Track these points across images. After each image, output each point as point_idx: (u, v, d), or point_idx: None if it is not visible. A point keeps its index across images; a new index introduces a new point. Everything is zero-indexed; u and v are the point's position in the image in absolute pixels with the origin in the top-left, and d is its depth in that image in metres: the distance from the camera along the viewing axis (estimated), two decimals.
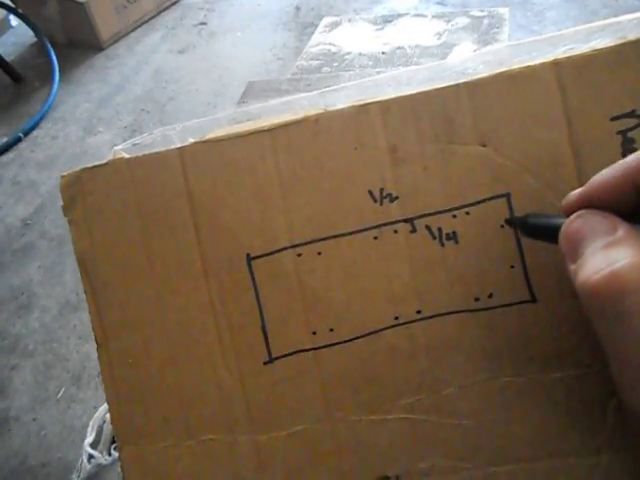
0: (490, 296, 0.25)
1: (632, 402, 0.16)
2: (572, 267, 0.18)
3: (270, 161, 0.26)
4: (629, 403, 0.16)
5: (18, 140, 1.67)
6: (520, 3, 1.78)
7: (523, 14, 1.74)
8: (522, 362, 0.25)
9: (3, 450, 0.96)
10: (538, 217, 0.23)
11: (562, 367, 0.24)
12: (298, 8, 2.05)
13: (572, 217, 0.19)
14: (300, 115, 0.26)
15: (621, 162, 0.19)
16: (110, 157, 0.26)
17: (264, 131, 0.26)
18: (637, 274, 0.16)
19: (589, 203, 0.19)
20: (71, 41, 2.06)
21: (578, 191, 0.20)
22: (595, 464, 0.24)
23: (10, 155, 1.65)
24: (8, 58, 1.92)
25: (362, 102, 0.25)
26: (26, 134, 1.69)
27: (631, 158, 0.18)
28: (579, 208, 0.19)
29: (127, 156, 0.26)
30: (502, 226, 0.25)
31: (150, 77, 1.86)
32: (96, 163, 0.26)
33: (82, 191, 0.26)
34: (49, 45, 1.91)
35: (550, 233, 0.20)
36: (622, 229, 0.17)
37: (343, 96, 0.26)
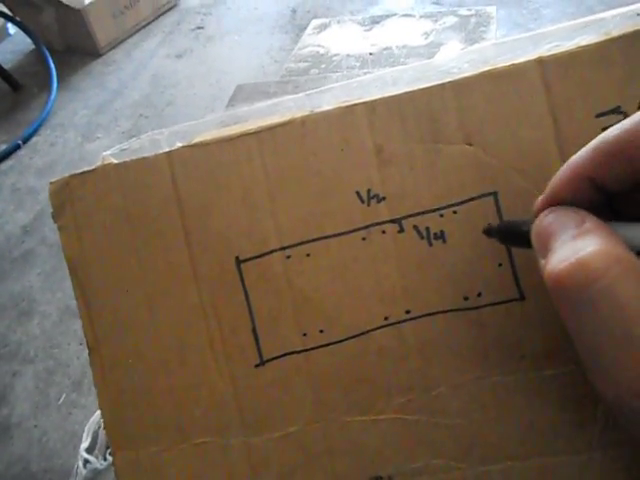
0: (479, 295, 0.25)
1: (602, 391, 0.16)
2: (542, 262, 0.18)
3: (257, 164, 0.26)
4: (600, 392, 0.16)
5: (17, 147, 1.68)
6: (516, 1, 1.78)
7: (519, 12, 1.74)
8: (512, 360, 0.25)
9: (5, 456, 0.96)
10: (513, 224, 0.23)
11: (552, 365, 0.24)
12: (294, 11, 2.05)
13: (544, 213, 0.19)
14: (287, 117, 0.26)
15: (570, 160, 0.19)
16: (98, 163, 0.26)
17: (251, 134, 0.26)
18: (602, 262, 0.15)
19: (555, 204, 0.19)
20: (69, 48, 2.06)
21: (542, 195, 0.20)
22: (587, 461, 0.24)
23: (9, 162, 1.65)
24: (6, 66, 1.93)
25: (348, 103, 0.25)
26: (25, 141, 1.70)
27: (577, 155, 0.19)
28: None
29: (115, 161, 0.26)
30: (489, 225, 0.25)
31: (148, 82, 1.87)
32: (85, 169, 0.26)
33: (71, 197, 0.26)
34: (47, 52, 1.91)
35: (527, 238, 0.20)
36: (590, 221, 0.17)
37: (329, 97, 0.26)
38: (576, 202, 0.18)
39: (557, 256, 0.17)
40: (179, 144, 0.26)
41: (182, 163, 0.26)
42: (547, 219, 0.18)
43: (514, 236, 0.22)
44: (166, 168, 0.26)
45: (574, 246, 0.16)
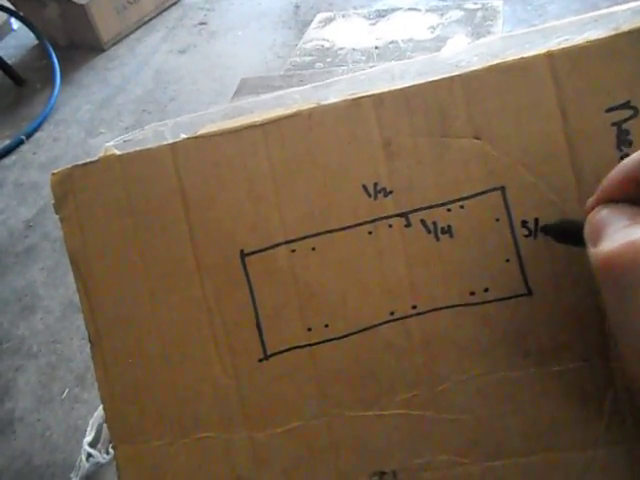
0: (486, 290, 0.25)
1: (636, 372, 0.16)
2: (592, 250, 0.18)
3: (263, 156, 0.25)
4: (633, 374, 0.16)
5: (20, 142, 1.68)
6: None
7: (524, 8, 1.73)
8: (518, 356, 0.24)
9: (8, 451, 0.96)
10: (570, 222, 0.23)
11: (558, 361, 0.24)
12: (298, 6, 2.04)
13: (598, 207, 0.19)
14: (293, 109, 0.25)
15: (622, 162, 0.19)
16: (101, 154, 0.26)
17: (256, 126, 0.25)
18: None
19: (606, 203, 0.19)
20: (72, 43, 2.06)
21: (593, 196, 0.20)
22: (592, 457, 0.24)
23: (13, 157, 1.65)
24: (10, 61, 1.93)
25: (355, 96, 0.25)
26: (28, 136, 1.69)
27: (629, 157, 0.19)
28: None
29: (118, 153, 0.26)
30: (497, 219, 0.24)
31: (151, 78, 1.86)
32: (87, 160, 0.26)
33: (73, 188, 0.26)
34: (50, 47, 1.91)
35: (582, 236, 0.20)
36: None
37: (336, 90, 0.26)
38: (626, 202, 0.19)
39: (609, 240, 0.17)
40: (183, 135, 0.26)
41: (186, 155, 0.26)
42: (601, 212, 0.19)
43: (569, 234, 0.22)
44: (170, 160, 0.26)
45: (626, 232, 0.17)
